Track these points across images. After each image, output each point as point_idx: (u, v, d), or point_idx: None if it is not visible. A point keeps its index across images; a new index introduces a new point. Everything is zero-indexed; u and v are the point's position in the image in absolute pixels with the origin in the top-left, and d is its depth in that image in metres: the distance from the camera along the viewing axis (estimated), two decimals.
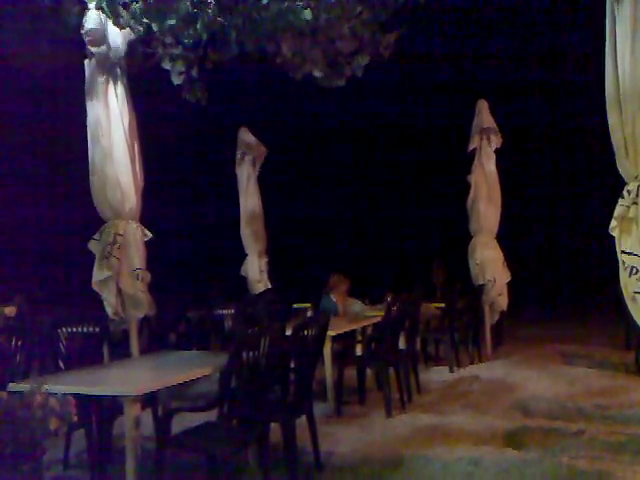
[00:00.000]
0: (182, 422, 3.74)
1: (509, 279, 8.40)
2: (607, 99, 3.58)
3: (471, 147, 8.44)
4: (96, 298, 5.01)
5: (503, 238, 8.58)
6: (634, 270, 3.51)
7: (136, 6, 4.31)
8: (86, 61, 4.93)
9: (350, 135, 13.20)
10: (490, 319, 8.39)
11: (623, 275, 3.57)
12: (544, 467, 3.95)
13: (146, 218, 5.24)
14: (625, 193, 3.55)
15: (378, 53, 4.89)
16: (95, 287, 4.98)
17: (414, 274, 9.48)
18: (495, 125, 8.42)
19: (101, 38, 4.75)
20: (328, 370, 5.33)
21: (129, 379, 3.80)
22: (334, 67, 4.89)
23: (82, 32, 4.74)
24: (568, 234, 13.63)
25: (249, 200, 8.77)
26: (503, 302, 8.43)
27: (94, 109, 4.90)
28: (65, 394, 2.84)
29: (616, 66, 3.51)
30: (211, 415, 3.82)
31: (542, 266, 13.63)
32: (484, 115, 8.36)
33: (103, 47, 4.80)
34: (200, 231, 12.72)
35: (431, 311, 7.62)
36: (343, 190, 13.91)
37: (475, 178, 8.46)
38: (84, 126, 4.96)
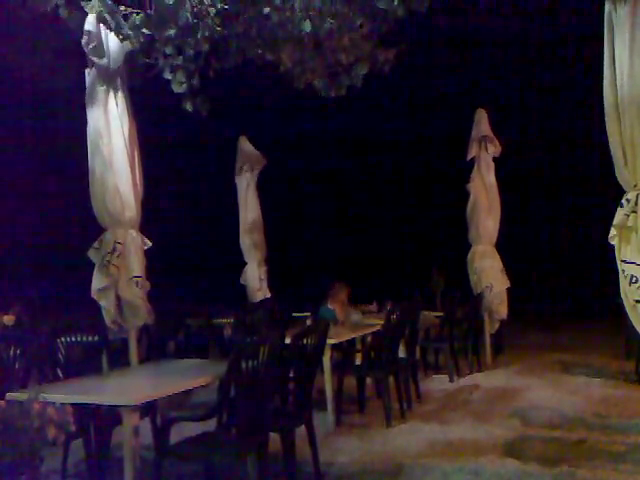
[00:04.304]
0: (181, 431, 3.73)
1: (508, 285, 8.41)
2: (606, 108, 3.59)
3: (470, 156, 8.46)
4: (95, 307, 5.00)
5: (502, 247, 8.59)
6: (634, 279, 3.51)
7: (136, 17, 4.33)
8: (87, 70, 4.95)
9: (350, 145, 13.23)
10: (490, 328, 8.38)
11: (623, 284, 3.57)
12: (544, 477, 3.94)
13: (145, 226, 5.24)
14: (624, 202, 3.56)
15: (378, 66, 4.92)
16: (94, 296, 4.97)
17: (413, 282, 9.48)
18: (492, 134, 8.45)
19: (101, 48, 4.78)
20: (328, 379, 5.30)
21: (128, 388, 3.78)
22: (334, 77, 4.91)
23: (82, 42, 4.76)
24: (567, 242, 13.64)
25: (249, 209, 8.78)
26: (503, 311, 8.43)
27: (94, 118, 4.92)
28: (63, 403, 2.83)
29: (614, 75, 3.53)
30: (210, 424, 3.80)
31: (542, 275, 13.63)
32: (483, 124, 8.39)
33: (104, 57, 4.82)
34: (200, 239, 12.73)
35: (430, 320, 7.61)
36: (343, 199, 13.93)
37: (474, 187, 8.48)
38: (84, 134, 4.97)
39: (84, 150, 4.97)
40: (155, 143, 6.57)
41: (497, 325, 8.47)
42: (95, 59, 4.83)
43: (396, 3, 4.48)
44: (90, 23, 4.68)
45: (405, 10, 4.54)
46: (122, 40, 4.50)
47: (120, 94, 4.98)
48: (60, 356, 4.23)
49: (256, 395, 3.50)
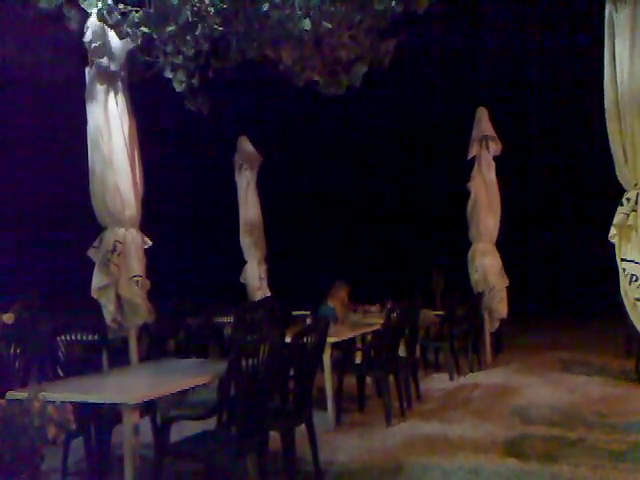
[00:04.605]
0: (181, 430, 3.73)
1: (507, 284, 8.41)
2: (606, 107, 3.59)
3: (471, 155, 8.46)
4: (95, 305, 5.00)
5: (502, 245, 8.59)
6: (634, 277, 3.51)
7: (135, 15, 4.32)
8: (87, 68, 4.95)
9: (350, 143, 13.24)
10: (490, 326, 8.39)
11: (623, 282, 3.58)
12: (544, 476, 3.94)
13: (145, 225, 5.24)
14: (624, 201, 3.56)
15: (378, 60, 4.91)
16: (94, 295, 4.97)
17: (413, 281, 9.48)
18: (494, 133, 8.45)
19: (103, 48, 4.78)
20: (328, 378, 5.31)
21: (128, 387, 3.79)
22: (334, 75, 4.91)
23: (84, 41, 4.76)
24: (568, 241, 13.65)
25: (249, 208, 8.79)
26: (503, 309, 8.43)
27: (94, 116, 4.91)
28: (63, 402, 2.83)
29: (615, 74, 3.53)
30: (210, 423, 3.80)
31: (542, 273, 13.63)
32: (484, 123, 8.39)
33: (105, 56, 4.82)
34: (199, 238, 12.73)
35: (430, 318, 7.61)
36: (342, 198, 13.94)
37: (475, 185, 8.49)
38: (84, 133, 4.97)
39: (84, 148, 4.97)
40: (155, 141, 6.56)
41: (497, 324, 8.48)
42: (96, 58, 4.82)
43: (394, 4, 4.47)
44: (92, 21, 4.68)
45: (404, 10, 4.53)
46: (121, 38, 4.49)
47: (120, 92, 4.98)
48: (60, 355, 4.23)
49: (256, 394, 3.51)
